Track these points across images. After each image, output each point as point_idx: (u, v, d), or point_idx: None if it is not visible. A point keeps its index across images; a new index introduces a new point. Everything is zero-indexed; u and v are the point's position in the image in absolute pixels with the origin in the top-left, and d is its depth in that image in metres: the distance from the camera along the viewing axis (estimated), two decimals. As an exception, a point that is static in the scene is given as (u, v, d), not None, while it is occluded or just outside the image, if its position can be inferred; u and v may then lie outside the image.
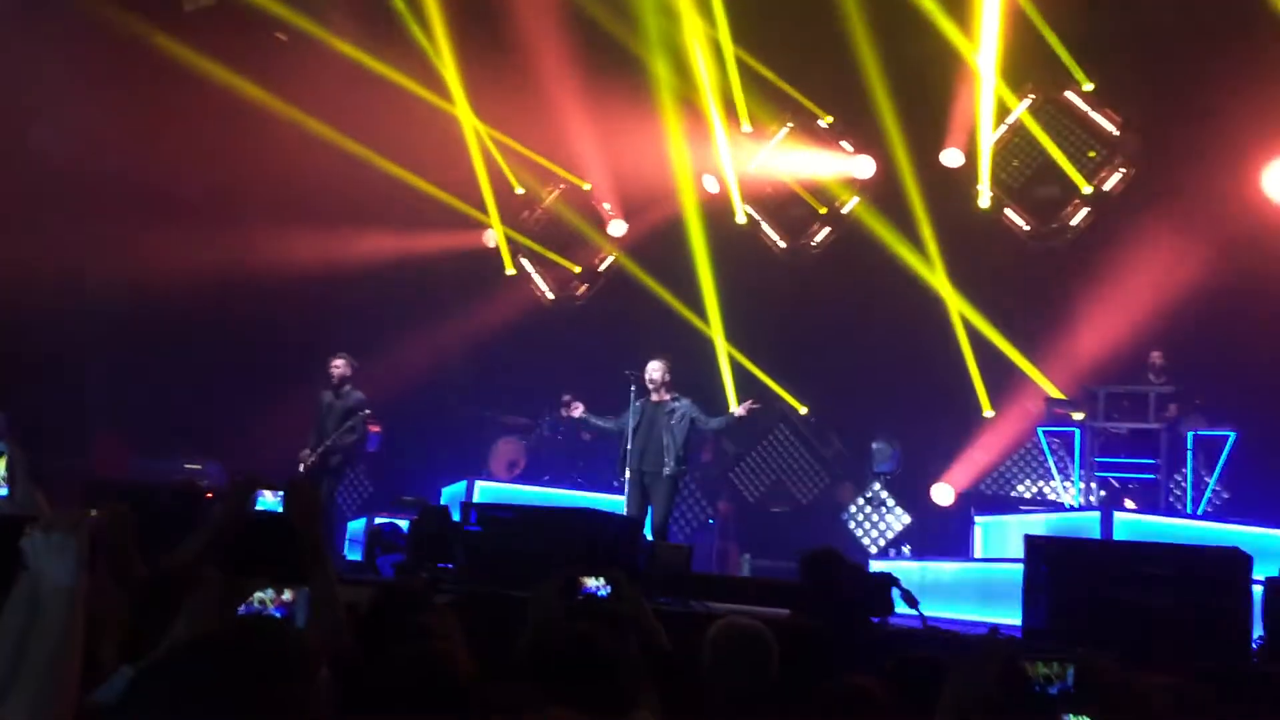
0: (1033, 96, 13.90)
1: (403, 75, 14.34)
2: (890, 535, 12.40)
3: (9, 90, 12.24)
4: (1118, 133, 13.55)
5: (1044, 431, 11.98)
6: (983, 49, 12.83)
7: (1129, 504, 11.00)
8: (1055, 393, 12.72)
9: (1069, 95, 13.75)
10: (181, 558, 3.45)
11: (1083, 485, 11.44)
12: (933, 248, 13.70)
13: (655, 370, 10.11)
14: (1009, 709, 2.71)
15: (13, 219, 12.34)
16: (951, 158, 13.97)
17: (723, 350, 14.44)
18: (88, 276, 13.15)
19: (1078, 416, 11.78)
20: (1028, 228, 13.98)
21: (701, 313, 14.48)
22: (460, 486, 12.53)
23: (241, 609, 2.51)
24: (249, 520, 3.62)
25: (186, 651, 1.80)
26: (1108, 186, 13.61)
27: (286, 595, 2.61)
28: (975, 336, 13.45)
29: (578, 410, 10.62)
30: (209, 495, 7.00)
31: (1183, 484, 11.16)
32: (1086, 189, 13.62)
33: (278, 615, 2.55)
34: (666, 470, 9.77)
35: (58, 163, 12.83)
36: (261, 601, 2.57)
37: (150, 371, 13.30)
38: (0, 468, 2.39)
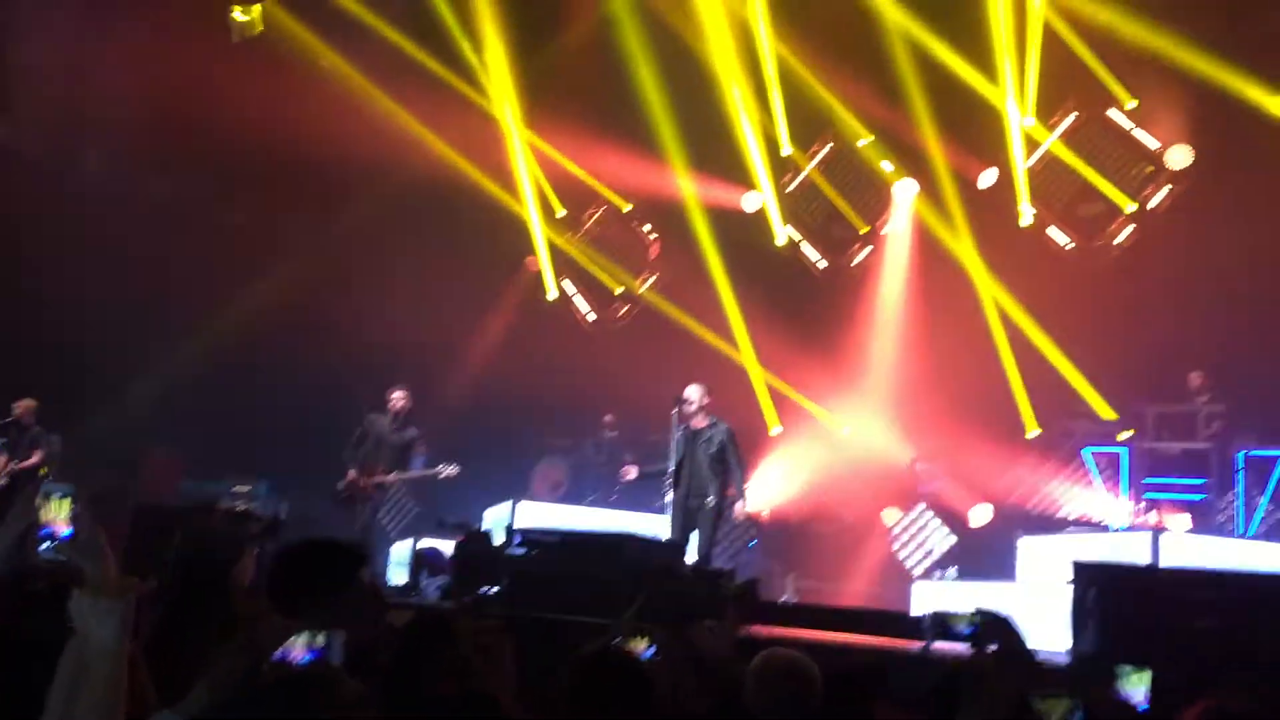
0: (1075, 114, 13.76)
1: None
2: (935, 557, 12.27)
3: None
4: (1162, 148, 13.37)
5: (1090, 452, 11.82)
6: (1022, 71, 12.93)
7: (1180, 524, 10.80)
8: (1106, 412, 12.55)
9: (1112, 113, 13.59)
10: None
11: (1130, 505, 11.26)
12: (973, 264, 13.67)
13: (692, 394, 9.93)
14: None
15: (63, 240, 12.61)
16: (987, 177, 13.94)
17: (756, 373, 14.44)
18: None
19: (1124, 436, 11.62)
20: (1071, 245, 13.85)
21: (732, 336, 14.52)
22: (503, 507, 12.54)
23: (279, 652, 2.54)
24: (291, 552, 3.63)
25: (250, 700, 1.83)
26: (1152, 204, 13.44)
27: (320, 639, 2.64)
28: (1020, 354, 13.35)
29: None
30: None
31: (1233, 504, 10.97)
32: (1130, 206, 13.47)
33: (313, 657, 2.59)
34: (709, 502, 9.67)
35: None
36: (298, 644, 2.60)
37: (198, 393, 13.44)
38: (65, 509, 2.44)
